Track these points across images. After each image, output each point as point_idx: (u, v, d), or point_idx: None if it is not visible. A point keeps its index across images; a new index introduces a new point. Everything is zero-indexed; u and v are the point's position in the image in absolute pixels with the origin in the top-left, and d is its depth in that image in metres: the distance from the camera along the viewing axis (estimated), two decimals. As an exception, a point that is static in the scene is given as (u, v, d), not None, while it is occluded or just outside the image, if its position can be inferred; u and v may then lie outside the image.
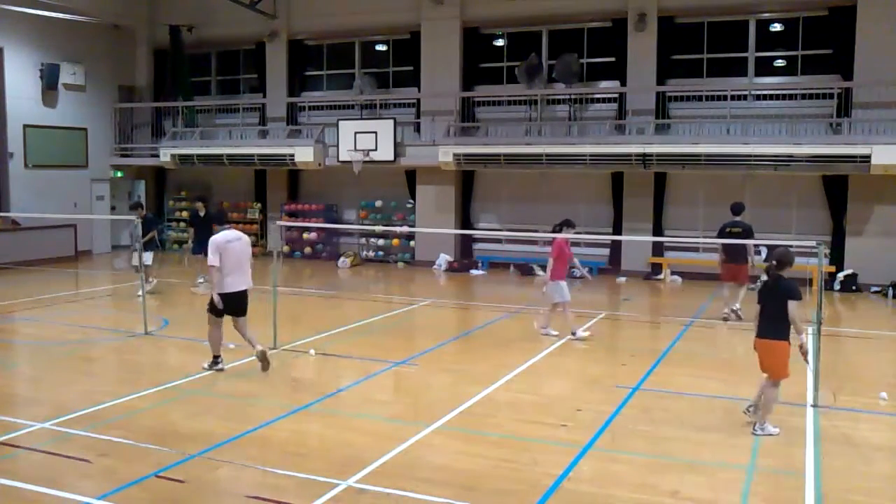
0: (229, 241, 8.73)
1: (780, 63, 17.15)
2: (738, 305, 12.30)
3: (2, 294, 14.27)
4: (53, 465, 6.03)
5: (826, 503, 5.43)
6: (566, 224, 10.86)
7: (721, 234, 12.43)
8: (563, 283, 10.73)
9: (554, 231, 10.85)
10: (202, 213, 14.92)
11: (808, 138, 15.36)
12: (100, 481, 5.69)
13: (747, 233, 12.20)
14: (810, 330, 7.57)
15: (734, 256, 12.14)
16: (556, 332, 10.85)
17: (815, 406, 7.59)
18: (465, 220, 19.44)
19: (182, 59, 22.00)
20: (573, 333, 10.71)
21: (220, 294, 8.63)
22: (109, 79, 21.85)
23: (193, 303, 14.33)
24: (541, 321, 11.15)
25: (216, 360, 8.96)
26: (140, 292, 13.53)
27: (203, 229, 15.12)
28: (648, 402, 7.80)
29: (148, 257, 14.03)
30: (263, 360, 8.65)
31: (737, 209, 12.52)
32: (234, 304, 8.75)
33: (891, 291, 15.05)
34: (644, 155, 16.31)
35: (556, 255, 10.66)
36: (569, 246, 10.93)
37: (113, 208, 21.40)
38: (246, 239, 9.03)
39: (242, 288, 8.82)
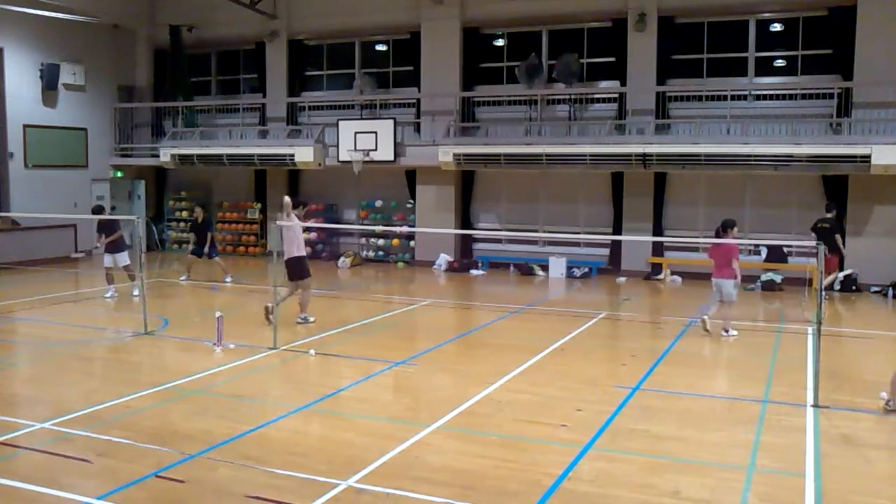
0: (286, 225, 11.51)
1: (780, 63, 17.14)
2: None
3: (2, 294, 14.27)
4: (53, 465, 6.03)
5: (826, 503, 5.44)
6: (730, 225, 10.92)
7: (813, 229, 14.54)
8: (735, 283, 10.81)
9: (717, 235, 11.02)
10: (199, 220, 16.27)
11: (808, 138, 15.36)
12: (100, 481, 5.68)
13: (833, 227, 14.39)
14: (810, 330, 7.57)
15: None
16: (735, 333, 10.82)
17: (815, 406, 7.59)
18: (465, 220, 19.43)
19: (182, 59, 21.98)
20: (725, 331, 10.86)
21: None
22: (109, 79, 21.82)
23: (192, 303, 14.35)
24: (722, 324, 10.97)
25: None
26: (135, 292, 13.59)
27: (201, 233, 16.18)
28: (648, 402, 7.80)
29: (124, 258, 14.05)
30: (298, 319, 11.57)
31: (828, 207, 14.82)
32: (287, 268, 11.52)
33: (891, 291, 15.05)
34: (644, 155, 16.31)
35: (736, 256, 10.70)
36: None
37: (113, 208, 21.36)
38: (291, 224, 11.37)
39: (285, 257, 11.44)
